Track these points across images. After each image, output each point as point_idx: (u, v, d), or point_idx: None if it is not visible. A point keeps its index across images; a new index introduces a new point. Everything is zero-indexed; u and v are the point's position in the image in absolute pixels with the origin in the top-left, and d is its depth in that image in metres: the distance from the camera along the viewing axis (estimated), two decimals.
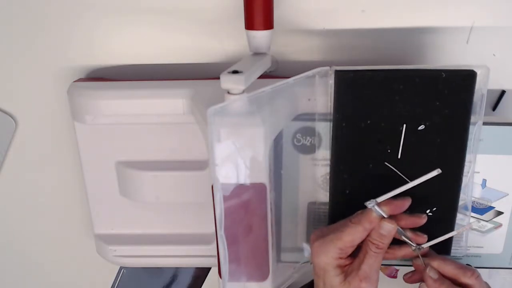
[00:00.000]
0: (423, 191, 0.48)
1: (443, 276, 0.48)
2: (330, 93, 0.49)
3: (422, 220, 0.48)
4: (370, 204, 0.46)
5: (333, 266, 0.47)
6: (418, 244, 0.49)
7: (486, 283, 0.49)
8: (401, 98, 0.47)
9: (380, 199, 0.46)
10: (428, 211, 0.50)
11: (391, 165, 0.49)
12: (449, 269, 0.48)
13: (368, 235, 0.47)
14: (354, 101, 0.48)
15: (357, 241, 0.47)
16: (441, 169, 0.49)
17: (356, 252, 0.48)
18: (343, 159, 0.50)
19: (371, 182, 0.49)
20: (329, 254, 0.47)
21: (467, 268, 0.49)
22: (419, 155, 0.48)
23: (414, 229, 0.49)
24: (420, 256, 0.50)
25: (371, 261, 0.46)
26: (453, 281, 0.48)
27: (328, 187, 0.52)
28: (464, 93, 0.47)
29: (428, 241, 0.49)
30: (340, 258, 0.47)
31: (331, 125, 0.49)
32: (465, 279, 0.48)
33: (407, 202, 0.48)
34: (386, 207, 0.46)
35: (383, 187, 0.48)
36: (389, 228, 0.46)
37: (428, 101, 0.47)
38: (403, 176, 0.49)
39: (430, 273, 0.48)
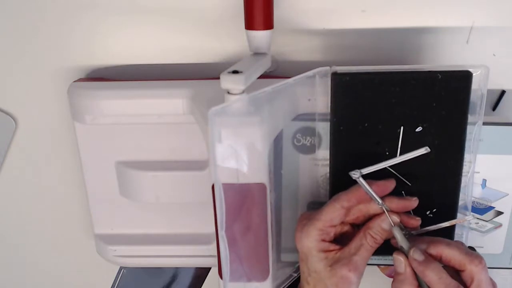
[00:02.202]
0: (423, 193, 0.48)
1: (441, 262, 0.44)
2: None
3: (412, 203, 0.47)
4: (354, 174, 0.46)
5: (316, 250, 0.46)
6: (409, 230, 0.47)
7: (492, 280, 0.46)
8: (398, 100, 0.47)
9: (365, 170, 0.46)
10: (428, 212, 0.50)
11: (389, 167, 0.49)
12: (453, 255, 0.44)
13: (367, 228, 0.46)
14: (351, 104, 0.48)
15: (336, 220, 0.46)
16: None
17: (344, 241, 0.47)
18: (341, 161, 0.49)
19: None
20: (311, 237, 0.46)
21: (474, 254, 0.44)
22: (417, 157, 0.47)
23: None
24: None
25: (366, 254, 0.46)
26: (457, 268, 0.44)
27: (328, 188, 0.52)
28: (460, 94, 0.47)
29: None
30: (323, 240, 0.46)
31: (330, 127, 0.49)
32: (472, 266, 0.43)
33: (390, 183, 0.47)
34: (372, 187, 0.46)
35: None
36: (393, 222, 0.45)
37: (425, 102, 0.47)
38: (402, 178, 0.49)
39: (415, 255, 0.44)
